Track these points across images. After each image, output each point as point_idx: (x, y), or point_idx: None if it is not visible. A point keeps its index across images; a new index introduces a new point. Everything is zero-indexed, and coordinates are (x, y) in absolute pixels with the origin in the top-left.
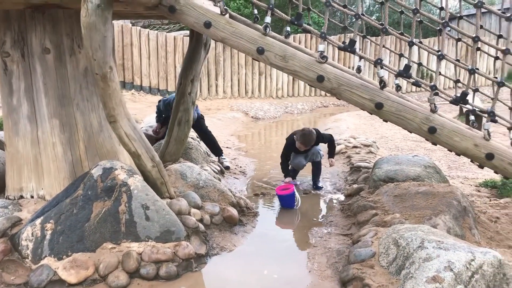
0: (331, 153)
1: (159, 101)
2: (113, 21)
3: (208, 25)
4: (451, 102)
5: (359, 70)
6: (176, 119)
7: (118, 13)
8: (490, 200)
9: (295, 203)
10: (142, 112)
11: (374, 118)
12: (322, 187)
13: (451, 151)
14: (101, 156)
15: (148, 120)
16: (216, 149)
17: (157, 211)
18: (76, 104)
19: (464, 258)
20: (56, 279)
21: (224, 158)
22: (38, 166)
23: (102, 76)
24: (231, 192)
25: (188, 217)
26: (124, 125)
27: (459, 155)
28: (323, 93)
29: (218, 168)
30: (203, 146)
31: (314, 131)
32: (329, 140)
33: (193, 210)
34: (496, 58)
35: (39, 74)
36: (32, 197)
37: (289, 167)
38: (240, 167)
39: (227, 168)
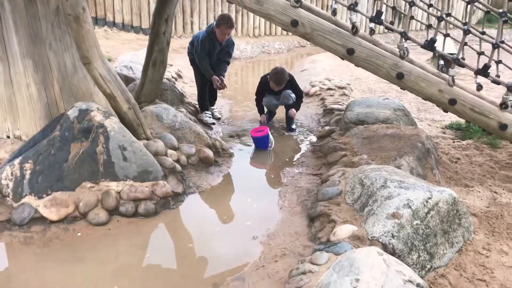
0: (296, 105)
1: (192, 52)
2: None
3: None
4: (421, 46)
5: (334, 12)
6: (151, 60)
7: None
8: (454, 142)
9: (269, 145)
10: (115, 50)
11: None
12: (295, 129)
13: (418, 96)
14: (76, 97)
15: (123, 59)
16: (214, 99)
17: (134, 152)
18: (49, 44)
19: (422, 196)
20: (37, 216)
21: (214, 109)
22: (13, 107)
23: (75, 17)
24: (206, 133)
25: (165, 158)
26: (99, 66)
27: (425, 100)
28: None
29: (194, 110)
30: (178, 87)
31: (286, 71)
32: (299, 96)
33: (169, 151)
34: (468, 2)
35: (9, 11)
36: (8, 137)
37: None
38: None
39: (218, 119)
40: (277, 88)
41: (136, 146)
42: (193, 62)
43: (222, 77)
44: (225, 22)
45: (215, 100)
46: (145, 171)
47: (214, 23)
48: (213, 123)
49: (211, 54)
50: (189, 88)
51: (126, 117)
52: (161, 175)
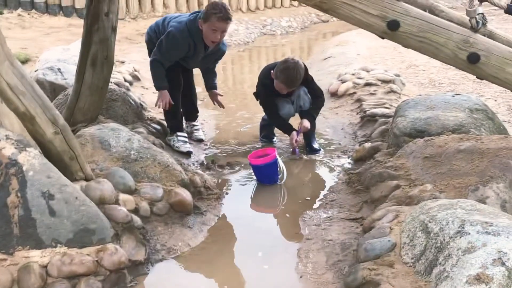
0: (314, 110)
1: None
2: None
3: None
4: (506, 11)
5: None
6: (89, 57)
7: None
8: None
9: (279, 176)
10: (36, 44)
11: None
12: (320, 149)
13: (504, 87)
14: None
15: (47, 57)
16: (194, 111)
17: (66, 201)
18: None
19: None
20: None
21: (196, 125)
22: None
23: None
24: (180, 164)
25: (115, 207)
26: (5, 72)
27: None
28: None
29: (160, 128)
30: (135, 96)
31: (301, 64)
32: (318, 96)
33: (122, 196)
34: None
35: None
36: None
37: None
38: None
39: (201, 141)
40: (286, 91)
41: (69, 192)
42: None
43: (217, 91)
44: (217, 11)
45: (197, 112)
46: (84, 229)
47: (200, 15)
48: (190, 152)
49: (190, 60)
50: (152, 96)
51: (51, 147)
52: (110, 234)
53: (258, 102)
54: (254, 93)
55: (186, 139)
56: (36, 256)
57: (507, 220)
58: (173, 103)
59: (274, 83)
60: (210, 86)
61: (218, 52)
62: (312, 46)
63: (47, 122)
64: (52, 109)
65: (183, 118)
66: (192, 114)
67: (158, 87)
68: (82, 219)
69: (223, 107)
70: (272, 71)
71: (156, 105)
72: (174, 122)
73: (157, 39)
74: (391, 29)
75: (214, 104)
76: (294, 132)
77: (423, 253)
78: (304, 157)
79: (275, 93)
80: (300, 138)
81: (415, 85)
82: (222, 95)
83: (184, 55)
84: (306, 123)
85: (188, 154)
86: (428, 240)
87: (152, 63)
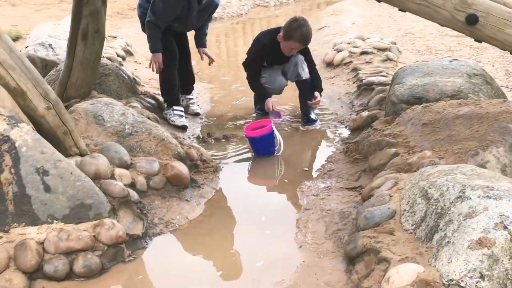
0: (319, 82)
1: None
2: None
3: None
4: None
5: None
6: (79, 31)
7: None
8: None
9: (275, 147)
10: (27, 21)
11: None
12: (316, 120)
13: (503, 49)
14: None
15: (38, 33)
16: (192, 81)
17: (61, 177)
18: None
19: None
20: None
21: (192, 99)
22: None
23: None
24: (176, 138)
25: (111, 182)
26: None
27: None
28: None
29: (154, 103)
30: (128, 70)
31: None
32: (314, 67)
33: (118, 171)
34: None
35: None
36: None
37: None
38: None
39: (197, 114)
40: (295, 52)
41: (64, 167)
42: None
43: (207, 50)
44: None
45: (193, 83)
46: (81, 204)
47: None
48: (185, 126)
49: (184, 19)
50: (145, 71)
51: (44, 122)
52: (107, 209)
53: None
54: (244, 63)
55: (183, 113)
56: (33, 233)
57: (508, 184)
58: (162, 66)
59: (282, 45)
60: (201, 44)
61: (212, 4)
62: (307, 16)
63: (38, 97)
64: (43, 83)
65: (179, 91)
66: (188, 85)
67: (152, 49)
68: (78, 194)
69: (213, 61)
70: (280, 34)
71: (149, 67)
72: (171, 96)
73: (147, 7)
74: None
75: (202, 60)
76: (269, 100)
77: (423, 220)
78: (301, 127)
79: (269, 61)
80: (273, 105)
81: (412, 53)
82: (213, 60)
83: (179, 13)
84: (319, 96)
85: (183, 128)
86: (429, 206)
87: (147, 25)
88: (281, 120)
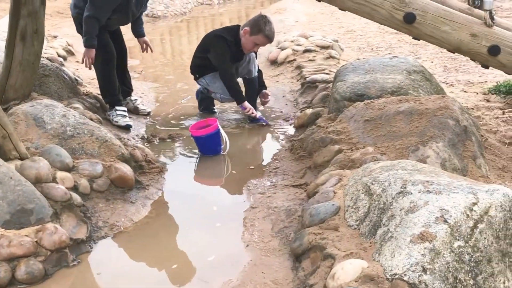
0: (263, 82)
1: None
2: None
3: None
4: None
5: None
6: (18, 31)
7: None
8: (504, 113)
9: (221, 146)
10: None
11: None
12: (262, 118)
13: (440, 46)
14: None
15: None
16: (129, 83)
17: (0, 182)
18: None
19: (463, 202)
20: None
21: (134, 99)
22: None
23: None
24: (120, 139)
25: (53, 185)
26: None
27: (452, 52)
28: None
29: (97, 103)
30: (69, 71)
31: None
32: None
33: (60, 174)
34: None
35: None
36: None
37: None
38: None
39: (149, 114)
40: (257, 49)
41: (4, 172)
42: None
43: (147, 39)
44: None
45: (129, 81)
46: (22, 210)
47: None
48: (129, 126)
49: (124, 7)
50: (87, 71)
51: None
52: (49, 213)
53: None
54: (194, 67)
55: (126, 113)
56: None
57: (447, 178)
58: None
59: (246, 41)
60: (140, 33)
61: None
62: (250, 15)
63: None
64: None
65: (120, 92)
66: (127, 85)
67: (87, 44)
68: (19, 199)
69: (152, 51)
70: (246, 28)
71: (82, 62)
72: (111, 96)
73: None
74: None
75: (143, 51)
76: (247, 103)
77: (366, 215)
78: (247, 125)
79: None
80: (256, 114)
81: (354, 50)
82: (148, 44)
83: (119, 2)
84: (267, 94)
85: (127, 128)
86: (371, 202)
87: (85, 20)
88: (267, 123)
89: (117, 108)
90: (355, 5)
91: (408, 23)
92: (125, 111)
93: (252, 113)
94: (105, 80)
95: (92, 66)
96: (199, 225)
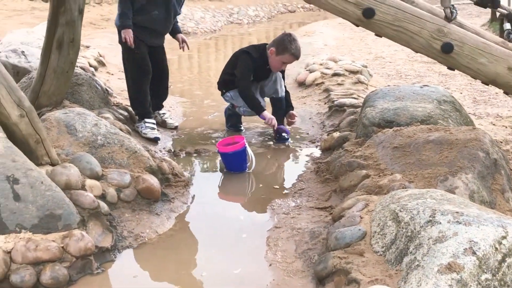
0: (291, 102)
1: None
2: None
3: None
4: (476, 3)
5: None
6: (55, 39)
7: None
8: None
9: (247, 164)
10: None
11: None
12: (288, 138)
13: (475, 78)
14: None
15: (10, 40)
16: (163, 96)
17: (32, 186)
18: None
19: (492, 234)
20: None
21: (163, 114)
22: None
23: None
24: (148, 151)
25: (81, 192)
26: None
27: (487, 84)
28: None
29: (127, 114)
30: (100, 81)
31: None
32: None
33: (89, 182)
34: None
35: None
36: None
37: (233, 107)
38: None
39: (176, 128)
40: (285, 67)
41: (35, 176)
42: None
43: (183, 36)
44: None
45: (165, 97)
46: (50, 215)
47: None
48: (157, 139)
49: (159, 12)
50: (117, 82)
51: (17, 130)
52: (76, 220)
53: (222, 93)
54: (221, 83)
55: (154, 126)
56: (0, 242)
57: (477, 210)
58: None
59: (273, 60)
60: (175, 30)
61: None
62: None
63: (12, 104)
64: (17, 90)
65: (151, 105)
66: (160, 101)
67: (122, 25)
68: (48, 204)
69: (188, 48)
70: (272, 48)
71: (121, 42)
72: (141, 109)
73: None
74: (366, 17)
75: (181, 48)
76: (266, 112)
77: (393, 242)
78: (273, 145)
79: (254, 76)
80: (274, 121)
81: (382, 76)
82: (187, 44)
83: None
84: (294, 114)
85: (155, 140)
86: (399, 229)
87: (120, 0)
88: (289, 135)
89: (147, 120)
90: (394, 32)
91: (446, 52)
92: (154, 123)
93: (272, 123)
94: (137, 92)
95: (127, 71)
96: (222, 241)
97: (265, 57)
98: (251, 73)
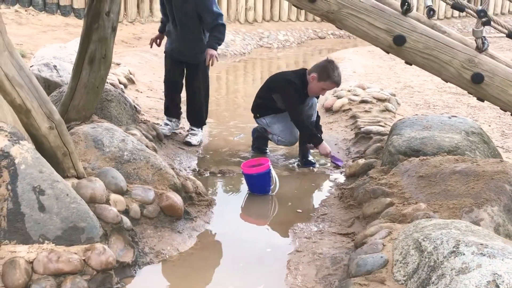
0: (320, 128)
1: None
2: None
3: None
4: (508, 36)
5: None
6: (87, 55)
7: None
8: None
9: (271, 186)
10: (32, 41)
11: (394, 57)
12: (314, 163)
13: (505, 110)
14: None
15: (43, 54)
16: (201, 118)
17: (57, 198)
18: None
19: None
20: None
21: (195, 130)
22: None
23: None
24: (173, 169)
25: (105, 207)
26: (4, 62)
27: None
28: (317, 18)
29: (154, 133)
30: (129, 98)
31: None
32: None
33: (113, 197)
34: None
35: None
36: None
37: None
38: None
39: (188, 144)
40: (324, 93)
41: (61, 188)
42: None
43: (212, 51)
44: None
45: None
46: (74, 227)
47: None
48: (164, 133)
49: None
50: (146, 100)
51: (45, 142)
52: (99, 234)
53: (255, 117)
54: (255, 107)
55: (168, 122)
56: (23, 251)
57: (501, 243)
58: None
59: (314, 86)
60: (208, 44)
61: None
62: (308, 61)
63: (42, 116)
64: (48, 103)
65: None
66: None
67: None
68: (72, 216)
69: (212, 64)
70: (313, 74)
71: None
72: (165, 104)
73: None
74: (397, 44)
75: (207, 63)
76: (325, 143)
77: (415, 271)
78: (297, 169)
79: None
80: (327, 150)
81: (410, 106)
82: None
83: None
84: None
85: (165, 134)
86: (422, 259)
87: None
88: (342, 164)
89: (165, 117)
90: (424, 60)
91: (476, 83)
92: (168, 120)
93: (328, 154)
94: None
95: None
96: (242, 262)
97: (305, 83)
98: (300, 104)
